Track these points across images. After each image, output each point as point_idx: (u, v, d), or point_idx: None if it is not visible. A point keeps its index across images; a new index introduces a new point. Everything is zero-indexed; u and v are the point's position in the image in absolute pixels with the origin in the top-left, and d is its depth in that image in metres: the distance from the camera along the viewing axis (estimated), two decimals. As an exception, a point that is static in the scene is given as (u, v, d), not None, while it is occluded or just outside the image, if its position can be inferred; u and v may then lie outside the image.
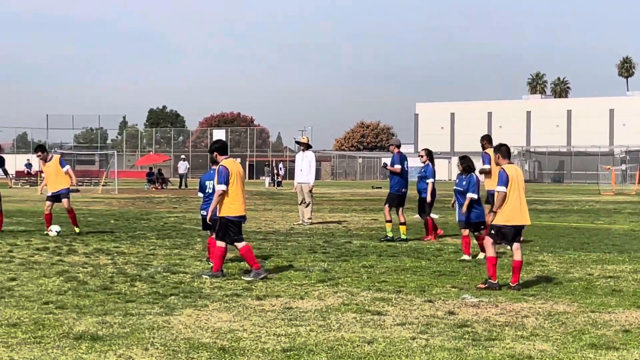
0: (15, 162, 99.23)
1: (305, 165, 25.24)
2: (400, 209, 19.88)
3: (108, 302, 11.04)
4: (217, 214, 13.54)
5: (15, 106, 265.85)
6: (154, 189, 59.49)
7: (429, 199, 19.79)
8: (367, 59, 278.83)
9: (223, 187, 13.45)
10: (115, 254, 16.45)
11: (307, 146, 25.75)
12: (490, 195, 17.20)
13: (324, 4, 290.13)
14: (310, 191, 25.10)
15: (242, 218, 13.68)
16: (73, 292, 11.83)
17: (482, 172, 18.31)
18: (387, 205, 19.90)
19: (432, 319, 10.11)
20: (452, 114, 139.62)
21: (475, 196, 15.83)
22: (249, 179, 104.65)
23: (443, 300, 11.50)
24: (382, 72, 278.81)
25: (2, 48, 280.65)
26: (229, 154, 14.15)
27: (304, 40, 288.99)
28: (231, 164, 13.75)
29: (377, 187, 68.66)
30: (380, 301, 11.33)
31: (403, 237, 19.48)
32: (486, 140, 19.23)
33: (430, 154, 20.39)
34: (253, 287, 12.43)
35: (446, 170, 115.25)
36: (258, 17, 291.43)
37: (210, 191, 15.01)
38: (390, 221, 19.71)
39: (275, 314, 10.36)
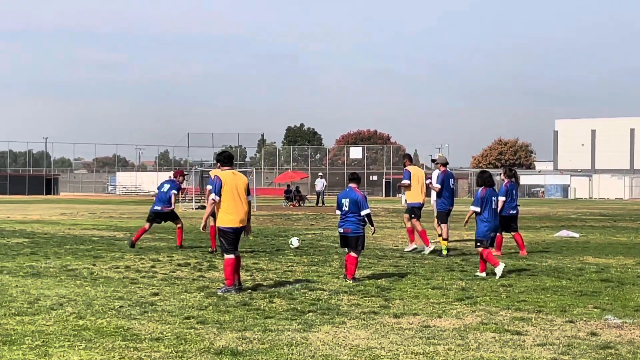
0: (157, 180, 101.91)
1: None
2: (444, 224, 20.53)
3: (247, 318, 11.19)
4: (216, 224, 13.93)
5: (157, 125, 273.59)
6: (291, 206, 60.10)
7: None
8: (505, 76, 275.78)
9: (214, 196, 13.81)
10: (254, 270, 16.68)
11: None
12: (409, 208, 20.85)
13: (461, 21, 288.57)
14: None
15: (237, 230, 13.85)
16: (213, 307, 12.04)
17: (400, 186, 20.94)
18: (435, 222, 20.75)
19: (573, 340, 9.89)
20: (593, 131, 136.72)
21: (477, 209, 16.63)
22: (386, 196, 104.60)
23: (585, 320, 11.24)
24: (521, 89, 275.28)
25: (145, 69, 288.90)
26: (233, 164, 14.58)
27: (440, 57, 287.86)
28: (229, 175, 13.97)
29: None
30: (519, 321, 11.15)
31: (444, 252, 19.97)
32: (407, 158, 22.10)
33: (506, 172, 21.13)
34: (390, 305, 12.40)
35: (586, 189, 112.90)
36: (394, 34, 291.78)
37: (347, 209, 15.13)
38: (445, 239, 20.41)
39: (413, 332, 10.32)
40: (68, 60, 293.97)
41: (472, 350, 9.33)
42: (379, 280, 15.06)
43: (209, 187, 20.87)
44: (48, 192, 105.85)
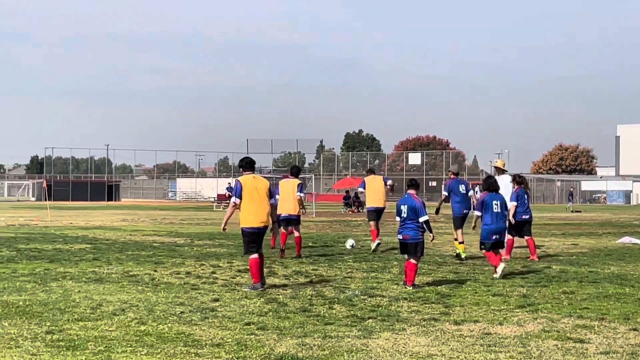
0: (217, 186, 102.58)
1: (501, 189, 24.86)
2: (459, 229, 21.20)
3: (307, 324, 11.20)
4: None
5: (217, 132, 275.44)
6: (350, 212, 60.11)
7: (511, 220, 20.74)
8: (566, 80, 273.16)
9: (234, 199, 14.76)
10: (314, 277, 16.70)
11: (502, 170, 25.37)
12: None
13: (520, 26, 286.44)
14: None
15: (258, 229, 14.73)
16: (273, 313, 12.08)
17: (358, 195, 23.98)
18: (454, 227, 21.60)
19: (637, 348, 9.75)
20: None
21: (478, 213, 17.31)
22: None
23: (649, 328, 11.07)
24: (582, 94, 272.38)
25: (205, 76, 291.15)
26: (255, 170, 15.45)
27: (500, 62, 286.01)
28: (249, 179, 14.87)
29: (576, 211, 66.90)
30: (582, 328, 11.03)
31: (462, 255, 20.60)
32: (369, 171, 25.45)
33: (515, 179, 21.96)
34: (451, 311, 12.34)
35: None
36: (451, 40, 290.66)
37: (405, 215, 15.11)
38: (461, 242, 21.04)
39: (474, 340, 10.25)
40: (129, 68, 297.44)
41: (534, 358, 9.25)
42: (439, 287, 14.99)
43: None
44: (109, 199, 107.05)
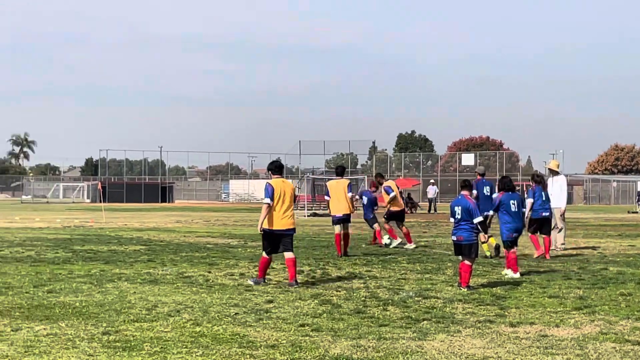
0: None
1: (556, 190, 24.62)
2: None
3: (362, 326, 11.17)
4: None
5: (270, 133, 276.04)
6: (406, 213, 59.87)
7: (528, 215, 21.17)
8: (621, 80, 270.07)
9: (268, 200, 15.29)
10: (368, 278, 16.66)
11: (556, 172, 25.13)
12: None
13: (574, 26, 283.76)
14: (562, 216, 24.49)
15: (285, 231, 15.34)
16: (327, 315, 12.07)
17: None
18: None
19: (698, 351, 9.59)
20: None
21: (490, 213, 18.72)
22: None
23: None
24: (638, 93, 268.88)
25: (257, 77, 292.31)
26: (283, 174, 16.11)
27: (555, 61, 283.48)
28: (278, 183, 15.50)
29: (632, 212, 66.05)
30: (640, 331, 10.88)
31: (487, 254, 20.94)
32: (379, 176, 27.32)
33: (533, 178, 22.49)
34: (506, 313, 12.24)
35: None
36: (504, 40, 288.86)
37: (459, 217, 15.03)
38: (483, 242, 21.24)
39: (530, 342, 10.15)
40: (182, 69, 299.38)
41: (592, 360, 9.14)
42: (494, 289, 14.88)
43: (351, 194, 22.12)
44: (163, 200, 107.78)
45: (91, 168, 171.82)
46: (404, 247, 24.42)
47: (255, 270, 17.28)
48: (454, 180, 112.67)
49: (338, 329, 10.96)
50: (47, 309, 12.43)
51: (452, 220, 15.35)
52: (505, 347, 9.82)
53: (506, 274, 17.00)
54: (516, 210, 17.84)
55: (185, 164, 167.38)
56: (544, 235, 21.62)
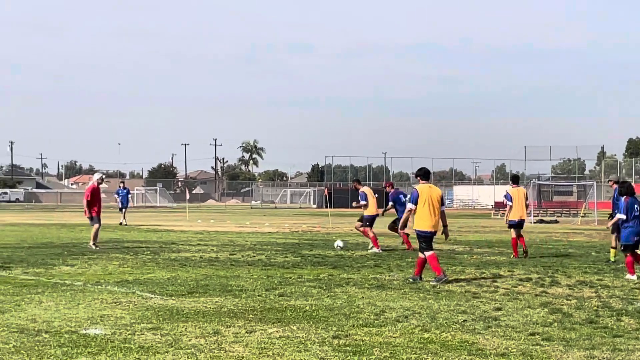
0: (494, 193, 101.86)
1: None
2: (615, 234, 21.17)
3: (595, 336, 10.84)
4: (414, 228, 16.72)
5: (494, 138, 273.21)
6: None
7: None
8: None
9: (411, 205, 16.72)
10: (599, 287, 16.17)
11: None
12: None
13: None
14: None
15: (432, 233, 16.63)
16: (558, 324, 11.79)
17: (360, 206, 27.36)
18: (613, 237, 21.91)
19: None
20: None
21: (623, 217, 18.09)
22: None
23: None
24: None
25: (480, 82, 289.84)
26: (430, 179, 17.25)
27: None
28: (425, 188, 16.73)
29: None
30: None
31: (611, 259, 21.42)
32: (356, 182, 29.60)
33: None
34: None
35: None
36: None
37: (638, 213, 17.18)
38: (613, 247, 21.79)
39: None
40: (408, 77, 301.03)
41: None
42: None
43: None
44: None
45: (317, 174, 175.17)
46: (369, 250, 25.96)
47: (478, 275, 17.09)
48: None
49: (570, 338, 10.69)
50: (279, 312, 12.75)
51: None
52: None
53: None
54: (638, 214, 18.05)
55: (409, 170, 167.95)
56: None
